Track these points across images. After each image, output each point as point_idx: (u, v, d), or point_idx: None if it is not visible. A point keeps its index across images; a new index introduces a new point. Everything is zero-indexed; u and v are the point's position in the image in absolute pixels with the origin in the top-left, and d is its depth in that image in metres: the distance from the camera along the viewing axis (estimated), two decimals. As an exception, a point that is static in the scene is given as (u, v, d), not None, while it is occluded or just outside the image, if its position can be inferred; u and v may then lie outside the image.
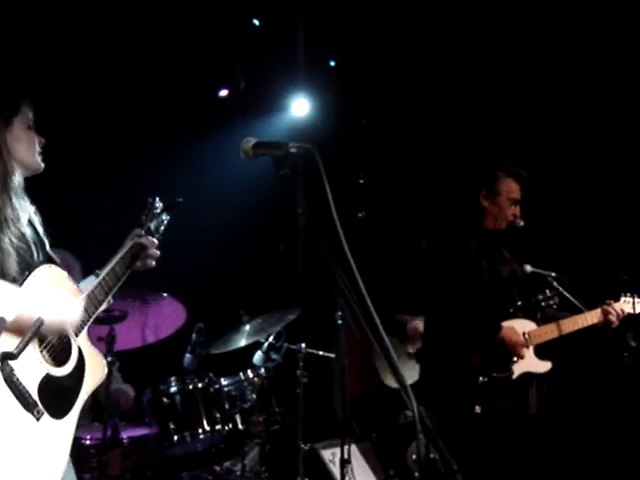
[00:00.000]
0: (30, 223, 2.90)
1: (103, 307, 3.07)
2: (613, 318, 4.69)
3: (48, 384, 2.67)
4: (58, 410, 2.71)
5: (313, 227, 2.42)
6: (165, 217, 3.48)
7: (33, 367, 2.63)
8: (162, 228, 3.45)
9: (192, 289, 5.52)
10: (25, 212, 2.87)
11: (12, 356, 2.12)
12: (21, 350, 2.15)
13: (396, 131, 7.23)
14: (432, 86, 6.90)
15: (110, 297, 3.10)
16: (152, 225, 3.37)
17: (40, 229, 2.95)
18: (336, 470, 5.56)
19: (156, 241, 3.30)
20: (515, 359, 4.41)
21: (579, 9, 6.09)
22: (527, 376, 4.49)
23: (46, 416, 2.64)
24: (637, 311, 4.81)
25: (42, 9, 5.44)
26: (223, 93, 6.88)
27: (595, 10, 6.04)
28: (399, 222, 6.93)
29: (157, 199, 3.49)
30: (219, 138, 6.01)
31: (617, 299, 4.81)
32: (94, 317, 2.97)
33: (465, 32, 6.55)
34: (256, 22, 6.65)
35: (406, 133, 7.15)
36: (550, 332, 4.57)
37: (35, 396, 2.60)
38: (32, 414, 2.57)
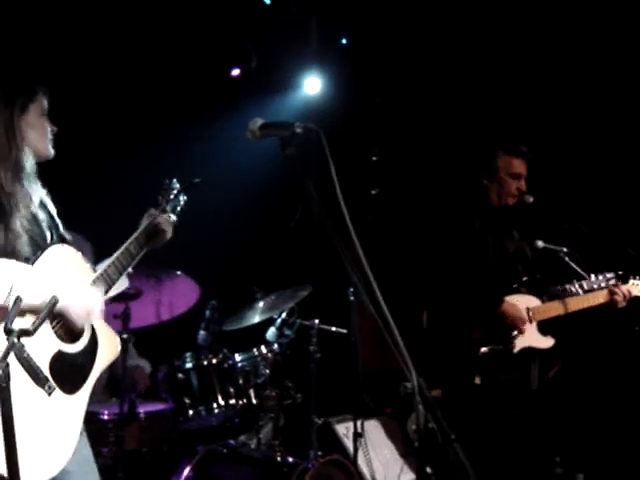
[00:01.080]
0: (42, 206, 2.97)
1: (120, 288, 3.14)
2: (620, 299, 4.72)
3: (60, 360, 2.76)
4: (70, 386, 2.79)
5: (318, 207, 2.48)
6: (182, 198, 3.54)
7: (45, 343, 2.72)
8: (179, 209, 3.51)
9: (206, 267, 5.58)
10: (37, 195, 2.95)
11: (28, 333, 2.20)
12: (37, 327, 2.23)
13: (409, 108, 7.24)
14: (445, 63, 6.91)
15: (125, 278, 3.17)
16: (168, 206, 3.43)
17: (53, 211, 3.02)
18: (350, 444, 5.64)
19: (170, 220, 3.36)
20: (515, 333, 4.47)
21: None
22: (529, 351, 4.56)
23: (58, 391, 2.72)
24: None
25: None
26: (235, 72, 6.88)
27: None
28: (412, 199, 6.97)
29: (174, 180, 3.54)
30: (232, 117, 6.03)
31: (626, 280, 4.84)
32: (108, 296, 3.05)
33: (477, 12, 6.55)
34: (267, 1, 6.66)
35: (419, 110, 7.17)
36: (555, 309, 4.63)
37: (47, 372, 2.67)
38: (43, 389, 2.65)
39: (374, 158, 7.50)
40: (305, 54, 6.97)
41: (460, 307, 4.46)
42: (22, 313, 2.55)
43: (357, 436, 5.03)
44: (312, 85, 7.08)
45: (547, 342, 4.63)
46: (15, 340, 2.14)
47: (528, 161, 4.76)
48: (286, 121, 2.67)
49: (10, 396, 2.14)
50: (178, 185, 3.54)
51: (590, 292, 4.76)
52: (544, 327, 4.61)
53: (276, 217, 6.26)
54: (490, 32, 6.62)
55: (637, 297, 4.82)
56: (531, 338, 4.55)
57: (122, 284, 3.18)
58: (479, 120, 6.68)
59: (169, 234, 3.34)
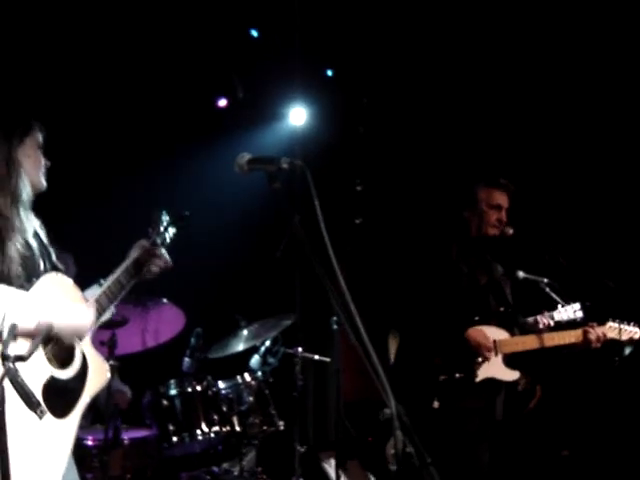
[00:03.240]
0: (36, 235, 3.05)
1: (107, 316, 3.21)
2: (594, 340, 4.68)
3: (52, 385, 2.83)
4: (61, 410, 2.86)
5: (303, 239, 2.56)
6: (172, 230, 3.58)
7: (38, 369, 2.79)
8: (168, 241, 3.55)
9: (191, 295, 5.63)
10: (31, 225, 3.03)
11: (22, 358, 2.28)
12: (31, 353, 2.31)
13: (392, 138, 7.34)
14: (427, 93, 7.02)
15: (113, 306, 3.25)
16: (158, 238, 3.49)
17: (46, 241, 3.11)
18: (332, 471, 5.68)
19: (163, 253, 3.42)
20: (479, 360, 4.48)
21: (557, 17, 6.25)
22: (493, 382, 4.54)
23: (49, 416, 2.79)
24: (623, 338, 4.79)
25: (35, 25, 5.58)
26: (222, 103, 6.99)
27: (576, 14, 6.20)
28: (396, 228, 7.04)
29: (164, 212, 3.59)
30: (218, 147, 6.11)
31: (603, 322, 4.78)
32: (98, 324, 3.12)
33: (459, 44, 6.67)
34: (254, 33, 6.77)
35: (402, 140, 7.27)
36: (523, 343, 4.61)
37: (39, 396, 2.74)
38: (35, 413, 2.71)
39: (358, 187, 7.58)
40: (291, 85, 7.07)
41: (425, 334, 4.50)
42: (16, 338, 2.62)
43: (340, 464, 5.09)
44: (297, 116, 7.17)
45: (512, 375, 4.60)
46: (11, 365, 2.21)
47: (511, 194, 4.79)
48: (273, 156, 2.75)
49: (5, 420, 2.20)
50: (168, 217, 3.59)
51: (562, 329, 4.74)
52: (511, 360, 4.60)
53: (261, 247, 6.32)
54: (471, 64, 6.74)
55: (612, 340, 4.77)
56: (495, 370, 4.53)
57: (109, 312, 3.25)
58: (461, 151, 6.79)
59: (159, 266, 3.39)
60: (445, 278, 4.61)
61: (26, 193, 3.01)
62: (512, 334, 4.64)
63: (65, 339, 2.88)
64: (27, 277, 2.88)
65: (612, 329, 4.79)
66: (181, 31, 6.27)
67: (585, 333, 4.71)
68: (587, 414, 6.35)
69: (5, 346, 2.25)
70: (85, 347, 3.04)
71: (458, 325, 4.52)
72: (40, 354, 2.82)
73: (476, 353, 4.48)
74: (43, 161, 3.16)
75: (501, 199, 4.76)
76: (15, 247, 2.88)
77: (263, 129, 7.07)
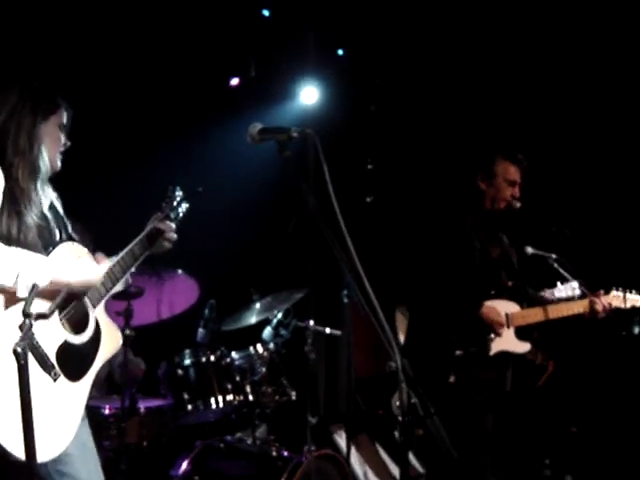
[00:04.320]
0: (52, 207, 3.16)
1: (120, 285, 3.31)
2: (600, 310, 4.76)
3: (66, 350, 2.96)
4: (74, 374, 2.99)
5: (314, 209, 2.64)
6: (185, 206, 3.69)
7: (53, 333, 2.92)
8: (181, 216, 3.67)
9: (205, 267, 5.70)
10: (47, 198, 3.15)
11: (45, 316, 2.38)
12: (52, 311, 2.42)
13: (403, 117, 7.40)
14: (439, 72, 7.07)
15: (128, 275, 3.35)
16: (172, 212, 3.61)
17: (62, 213, 3.22)
18: (342, 442, 5.79)
19: (174, 226, 3.53)
20: (492, 336, 4.56)
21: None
22: (505, 355, 4.62)
23: (62, 378, 2.92)
24: (627, 306, 4.88)
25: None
26: (234, 82, 7.05)
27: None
28: (407, 207, 7.11)
29: (177, 188, 3.71)
30: (231, 124, 6.18)
31: (608, 291, 4.86)
32: (111, 292, 3.24)
33: (472, 20, 6.71)
34: (266, 13, 6.83)
35: (413, 119, 7.33)
36: (533, 316, 4.69)
37: (53, 359, 2.88)
38: (49, 375, 2.85)
39: (369, 166, 7.64)
40: (302, 65, 7.13)
41: (439, 310, 4.57)
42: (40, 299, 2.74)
43: (350, 436, 5.17)
44: (309, 95, 7.23)
45: (523, 347, 4.69)
46: (33, 322, 2.32)
47: (523, 170, 4.82)
48: (283, 126, 2.84)
49: (28, 373, 2.32)
50: (181, 193, 3.71)
51: (569, 301, 4.83)
52: (522, 333, 4.68)
53: (274, 221, 6.42)
54: (488, 39, 6.77)
55: (618, 309, 4.86)
56: (507, 343, 4.62)
57: (122, 283, 3.36)
58: (473, 128, 6.84)
59: (170, 239, 3.50)
60: (459, 253, 4.66)
61: (44, 167, 3.11)
62: (522, 307, 4.72)
63: (79, 293, 2.99)
64: (44, 245, 2.98)
65: (616, 297, 4.87)
66: (194, 11, 6.33)
67: (591, 303, 4.79)
68: (597, 392, 6.42)
69: (28, 304, 2.35)
70: (99, 314, 3.17)
71: (473, 301, 4.59)
72: (56, 320, 2.95)
73: (490, 329, 4.57)
74: (63, 141, 3.23)
75: (516, 175, 4.79)
76: (31, 217, 2.98)
77: (275, 108, 7.13)
